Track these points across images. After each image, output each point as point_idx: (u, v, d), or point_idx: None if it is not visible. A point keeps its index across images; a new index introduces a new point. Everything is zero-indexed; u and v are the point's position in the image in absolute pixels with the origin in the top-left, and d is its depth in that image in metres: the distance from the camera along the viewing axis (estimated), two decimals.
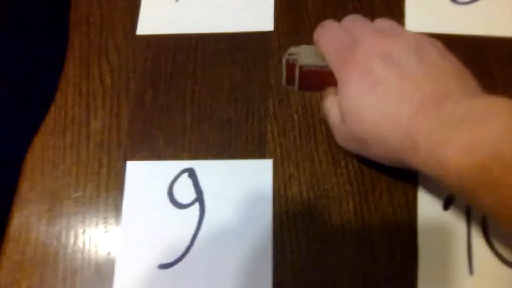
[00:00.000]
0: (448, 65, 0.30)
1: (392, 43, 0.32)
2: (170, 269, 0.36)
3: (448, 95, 0.28)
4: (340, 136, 0.35)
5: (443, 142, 0.27)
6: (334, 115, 0.35)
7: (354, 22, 0.36)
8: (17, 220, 0.39)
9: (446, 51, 0.32)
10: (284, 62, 0.36)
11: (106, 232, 0.38)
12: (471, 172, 0.26)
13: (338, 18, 0.42)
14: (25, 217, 0.39)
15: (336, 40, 0.34)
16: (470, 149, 0.25)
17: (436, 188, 0.37)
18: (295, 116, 0.41)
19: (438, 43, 0.32)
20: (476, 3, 0.44)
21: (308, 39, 0.43)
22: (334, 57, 0.34)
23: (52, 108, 0.43)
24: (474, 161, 0.25)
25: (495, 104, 0.27)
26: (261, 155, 0.39)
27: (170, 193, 0.39)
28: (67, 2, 0.47)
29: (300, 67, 0.36)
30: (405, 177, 0.38)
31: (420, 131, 0.28)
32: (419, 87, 0.29)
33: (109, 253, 0.38)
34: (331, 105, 0.35)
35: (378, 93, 0.30)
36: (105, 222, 0.39)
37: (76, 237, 0.38)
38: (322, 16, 0.44)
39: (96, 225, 0.39)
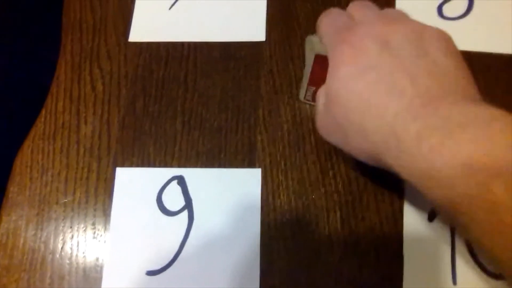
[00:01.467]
0: (450, 64, 0.28)
1: (393, 30, 0.30)
2: (158, 276, 0.37)
3: (444, 97, 0.26)
4: (322, 123, 0.33)
5: (437, 150, 0.24)
6: (320, 100, 0.33)
7: (359, 7, 0.34)
8: (5, 224, 0.39)
9: (452, 47, 0.29)
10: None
11: (94, 237, 0.38)
12: (467, 188, 0.23)
13: None
14: (13, 222, 0.39)
15: (336, 21, 0.33)
16: (469, 162, 0.23)
17: (421, 200, 0.38)
18: (285, 126, 0.41)
19: (446, 36, 0.30)
20: (464, 19, 0.45)
21: (299, 49, 0.44)
22: (330, 36, 0.32)
23: (43, 113, 0.43)
24: (473, 177, 0.23)
25: (498, 116, 0.24)
26: (251, 164, 0.40)
27: (159, 200, 0.39)
28: (60, 6, 0.47)
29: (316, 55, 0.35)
30: (391, 188, 0.38)
31: (408, 131, 0.26)
32: (413, 82, 0.27)
33: (97, 259, 0.38)
34: (320, 91, 0.34)
35: (368, 80, 0.28)
36: (94, 228, 0.39)
37: (64, 242, 0.38)
38: (312, 27, 0.44)
39: (85, 230, 0.39)
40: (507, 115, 0.24)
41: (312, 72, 0.37)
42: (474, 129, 0.24)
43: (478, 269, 0.36)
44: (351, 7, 0.34)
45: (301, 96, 0.41)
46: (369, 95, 0.28)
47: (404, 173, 0.27)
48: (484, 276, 0.36)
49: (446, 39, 0.30)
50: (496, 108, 0.25)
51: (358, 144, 0.30)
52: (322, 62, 0.34)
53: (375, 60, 0.29)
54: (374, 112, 0.27)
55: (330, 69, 0.31)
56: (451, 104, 0.26)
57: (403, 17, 0.32)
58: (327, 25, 0.33)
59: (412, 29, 0.30)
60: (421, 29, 0.30)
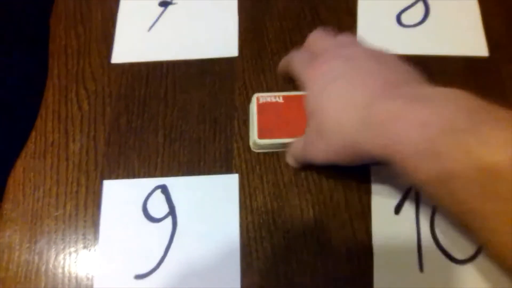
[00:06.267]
0: (402, 65, 0.34)
1: (351, 50, 0.36)
2: (146, 279, 0.39)
3: (401, 84, 0.32)
4: (311, 150, 0.36)
5: (396, 118, 0.28)
6: (300, 143, 0.39)
7: (317, 40, 0.40)
8: (1, 240, 0.41)
9: (399, 58, 0.35)
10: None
11: (85, 247, 0.41)
12: (417, 144, 0.27)
13: (296, 42, 0.46)
14: (8, 237, 0.41)
15: (303, 58, 0.39)
16: (422, 124, 0.27)
17: (387, 195, 0.41)
18: None
19: (393, 54, 0.36)
20: (421, 26, 0.48)
21: (269, 63, 0.47)
22: (300, 69, 0.38)
23: (33, 134, 0.45)
24: (425, 136, 0.27)
25: (445, 90, 0.29)
26: (228, 170, 0.43)
27: (145, 209, 0.42)
28: (47, 33, 0.50)
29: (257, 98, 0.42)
30: (359, 186, 0.41)
31: (373, 109, 0.30)
32: (374, 78, 0.32)
33: (88, 267, 0.40)
34: (297, 140, 0.40)
35: (338, 86, 0.33)
36: (84, 238, 0.41)
37: (56, 253, 0.41)
38: (281, 42, 0.48)
39: (76, 241, 0.41)
40: (453, 89, 0.29)
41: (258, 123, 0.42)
42: (426, 100, 0.28)
43: (443, 256, 0.39)
44: (310, 41, 0.41)
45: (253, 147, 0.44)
46: (340, 96, 0.33)
47: (375, 151, 0.30)
48: (448, 262, 0.39)
49: (394, 55, 0.35)
50: (445, 87, 0.29)
51: (338, 144, 0.33)
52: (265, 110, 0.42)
53: (341, 69, 0.34)
54: (347, 106, 0.32)
55: (306, 90, 0.36)
56: (408, 87, 0.31)
57: (355, 41, 0.39)
58: (297, 63, 0.39)
59: (366, 48, 0.37)
60: (373, 48, 0.36)
